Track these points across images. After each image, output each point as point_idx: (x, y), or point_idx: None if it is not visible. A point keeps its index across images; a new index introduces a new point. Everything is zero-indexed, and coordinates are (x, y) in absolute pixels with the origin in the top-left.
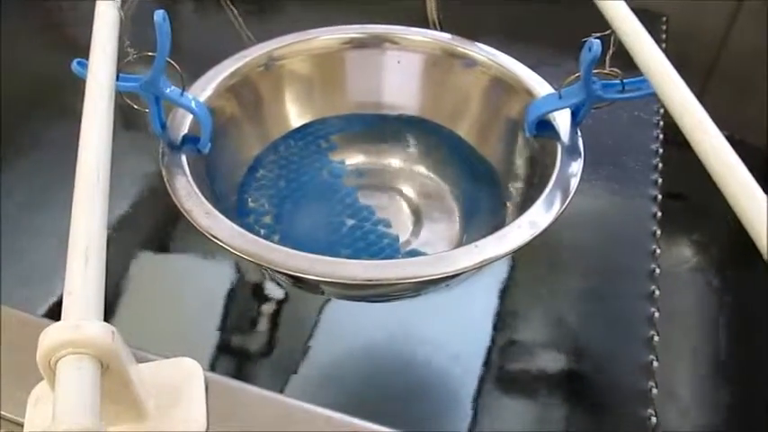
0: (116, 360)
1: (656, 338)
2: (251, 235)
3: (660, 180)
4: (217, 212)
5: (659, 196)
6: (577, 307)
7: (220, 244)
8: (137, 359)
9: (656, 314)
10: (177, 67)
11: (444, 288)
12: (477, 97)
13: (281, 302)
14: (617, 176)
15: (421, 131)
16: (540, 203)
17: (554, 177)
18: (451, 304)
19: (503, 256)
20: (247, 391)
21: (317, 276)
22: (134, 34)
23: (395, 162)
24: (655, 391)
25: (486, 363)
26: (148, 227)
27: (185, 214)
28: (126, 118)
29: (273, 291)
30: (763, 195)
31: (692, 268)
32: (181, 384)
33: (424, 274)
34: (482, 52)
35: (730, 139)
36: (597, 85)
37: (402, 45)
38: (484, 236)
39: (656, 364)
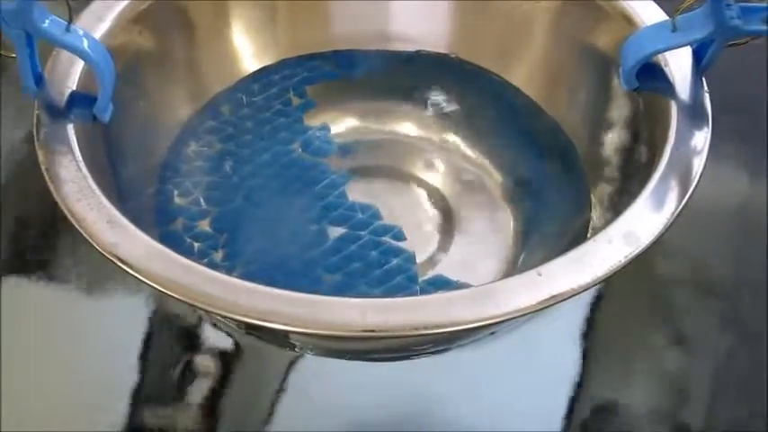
0: None
1: None
2: (177, 256)
3: None
4: (124, 219)
5: None
6: (697, 355)
7: (129, 271)
8: None
9: None
10: None
11: (489, 337)
12: (542, 26)
13: (228, 357)
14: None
15: (452, 80)
16: (641, 203)
17: (665, 159)
18: (500, 359)
19: (583, 291)
20: None
21: (283, 325)
22: None
23: (410, 131)
24: None
25: None
26: (18, 237)
27: (74, 223)
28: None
29: (217, 339)
30: None
31: None
32: None
33: (459, 320)
34: None
35: None
36: (733, 9)
37: None
38: (554, 255)
39: None
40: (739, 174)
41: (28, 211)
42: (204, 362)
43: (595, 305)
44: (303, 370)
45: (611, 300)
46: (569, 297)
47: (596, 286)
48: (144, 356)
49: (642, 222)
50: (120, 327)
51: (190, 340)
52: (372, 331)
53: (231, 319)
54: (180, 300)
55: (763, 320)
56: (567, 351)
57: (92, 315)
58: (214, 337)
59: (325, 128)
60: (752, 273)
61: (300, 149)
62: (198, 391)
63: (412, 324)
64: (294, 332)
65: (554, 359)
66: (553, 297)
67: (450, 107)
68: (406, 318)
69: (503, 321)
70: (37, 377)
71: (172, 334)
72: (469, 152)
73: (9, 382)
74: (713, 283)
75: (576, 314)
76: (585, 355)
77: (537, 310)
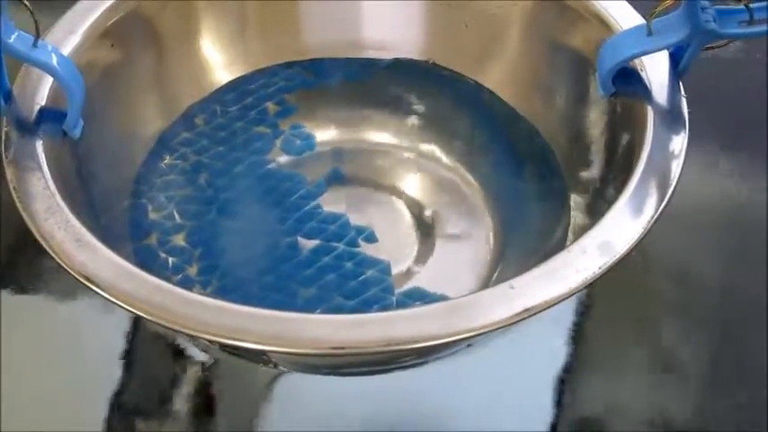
0: None
1: None
2: (147, 276)
3: None
4: (93, 238)
5: None
6: (685, 363)
7: (98, 291)
8: None
9: None
10: (26, 2)
11: (465, 350)
12: (517, 30)
13: (208, 370)
14: (750, 156)
15: (429, 87)
16: (617, 211)
17: (640, 166)
18: (483, 370)
19: (557, 303)
20: None
21: (253, 344)
22: None
23: (387, 139)
24: None
25: None
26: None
27: (42, 242)
28: None
29: (196, 353)
30: None
31: None
32: None
33: (429, 335)
34: None
35: None
36: (708, 13)
37: None
38: (532, 264)
39: None
40: (715, 177)
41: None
42: (186, 374)
43: (581, 313)
44: (285, 383)
45: (596, 307)
46: (542, 310)
47: (582, 293)
48: (127, 367)
49: (617, 231)
50: (104, 342)
51: (174, 354)
52: (342, 348)
53: (201, 338)
54: (149, 319)
55: (737, 328)
56: (550, 360)
57: (76, 330)
58: (196, 352)
59: (299, 125)
60: (731, 283)
61: (280, 155)
62: (180, 402)
63: (382, 340)
64: (264, 350)
65: (537, 369)
66: (527, 310)
67: (427, 114)
68: (377, 333)
69: (474, 336)
70: (20, 386)
71: (154, 346)
72: (447, 160)
73: None
74: (698, 288)
75: (559, 323)
76: (570, 364)
77: (510, 324)
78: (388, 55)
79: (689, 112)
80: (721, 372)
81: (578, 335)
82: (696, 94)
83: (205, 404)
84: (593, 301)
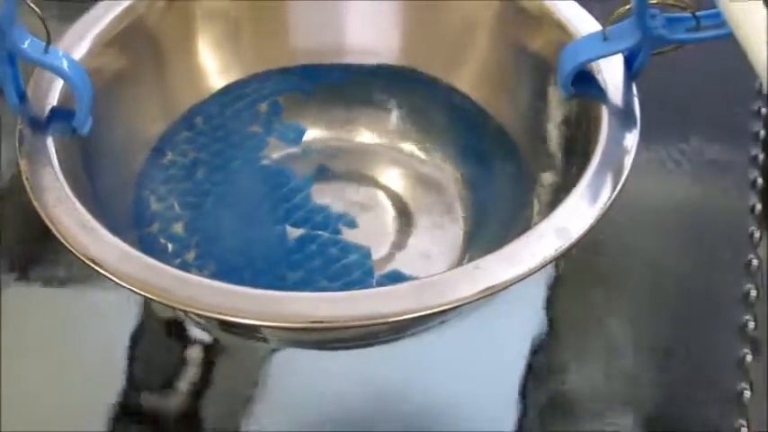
0: None
1: (747, 394)
2: (147, 258)
3: (762, 156)
4: (96, 224)
5: (759, 180)
6: (644, 344)
7: (102, 272)
8: None
9: (749, 357)
10: (38, 10)
11: (439, 326)
12: (484, 36)
13: (208, 348)
14: (697, 152)
15: (408, 90)
16: (571, 200)
17: (595, 159)
18: (458, 345)
19: (516, 282)
20: None
21: (242, 318)
22: None
23: (370, 138)
24: None
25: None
26: (19, 243)
27: (51, 227)
28: None
29: (199, 333)
30: None
31: None
32: None
33: (402, 310)
34: None
35: None
36: (658, 20)
37: None
38: (496, 248)
39: (745, 431)
40: (678, 173)
41: (29, 221)
42: (190, 355)
43: (552, 290)
44: (277, 360)
45: (568, 285)
46: (503, 288)
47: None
48: (135, 350)
49: (573, 218)
50: (114, 324)
51: (178, 335)
52: (321, 322)
53: (194, 313)
54: (146, 296)
55: (694, 313)
56: (523, 333)
57: (88, 314)
58: (198, 332)
59: (289, 123)
60: (690, 272)
61: (271, 152)
62: (183, 382)
63: (359, 315)
64: (253, 325)
65: (509, 344)
66: (489, 288)
67: (406, 115)
68: (353, 310)
69: (444, 311)
70: (39, 364)
71: (160, 330)
72: (423, 156)
73: (11, 371)
74: (660, 277)
75: (531, 299)
76: (542, 337)
77: (474, 301)
78: (370, 61)
79: (644, 110)
80: (679, 349)
81: (549, 312)
82: (650, 94)
83: (205, 380)
84: (562, 283)
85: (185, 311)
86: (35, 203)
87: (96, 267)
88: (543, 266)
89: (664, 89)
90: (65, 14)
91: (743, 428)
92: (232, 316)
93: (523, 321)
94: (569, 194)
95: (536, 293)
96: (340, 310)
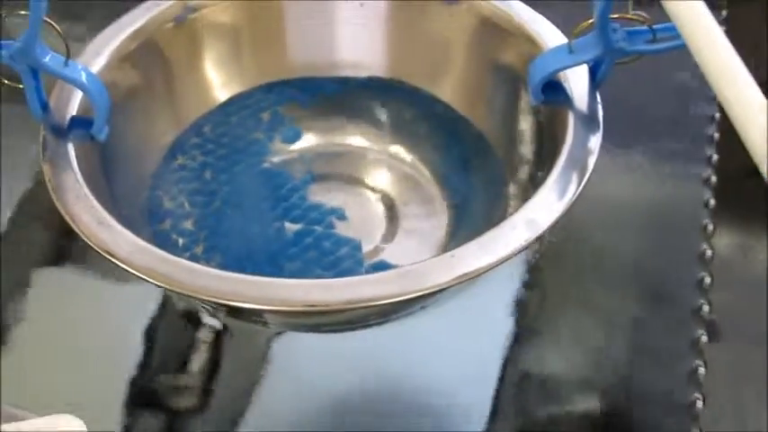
0: None
1: (701, 371)
2: (157, 250)
3: (716, 157)
4: (112, 220)
5: (713, 178)
6: (608, 327)
7: (117, 263)
8: (9, 418)
9: (704, 338)
10: (58, 28)
11: (422, 311)
12: (462, 50)
13: (218, 334)
14: (658, 151)
15: (395, 100)
16: (540, 196)
17: (562, 160)
18: (440, 328)
19: (488, 269)
20: None
21: (243, 303)
22: None
23: (361, 143)
24: None
25: (495, 407)
26: (45, 238)
27: (71, 223)
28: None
29: (208, 319)
30: None
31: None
32: None
33: (381, 295)
34: None
35: None
36: (618, 33)
37: None
38: (472, 239)
39: (700, 404)
40: (641, 171)
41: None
42: (200, 339)
43: (526, 278)
44: (280, 344)
45: (540, 273)
46: (477, 275)
47: (528, 262)
48: (151, 335)
49: (541, 211)
50: (131, 311)
51: (189, 321)
52: (313, 306)
53: (200, 299)
54: (156, 284)
55: (650, 299)
56: (499, 318)
57: (106, 302)
58: (207, 318)
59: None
60: (648, 262)
61: (272, 157)
62: (195, 364)
63: (347, 299)
64: (252, 309)
65: (489, 325)
66: (464, 275)
67: (394, 122)
68: (341, 295)
69: (424, 296)
70: (61, 349)
71: (174, 316)
72: (409, 159)
73: (38, 350)
74: (624, 261)
75: (507, 286)
76: (516, 322)
77: (451, 286)
78: (361, 74)
79: (610, 115)
80: (640, 330)
81: (523, 298)
82: (613, 100)
83: (215, 361)
84: (535, 271)
85: (193, 298)
86: (56, 202)
87: (110, 258)
88: (514, 255)
89: (625, 96)
90: (81, 33)
91: (698, 401)
92: (234, 301)
93: (500, 306)
94: (538, 190)
95: (511, 281)
96: (330, 295)
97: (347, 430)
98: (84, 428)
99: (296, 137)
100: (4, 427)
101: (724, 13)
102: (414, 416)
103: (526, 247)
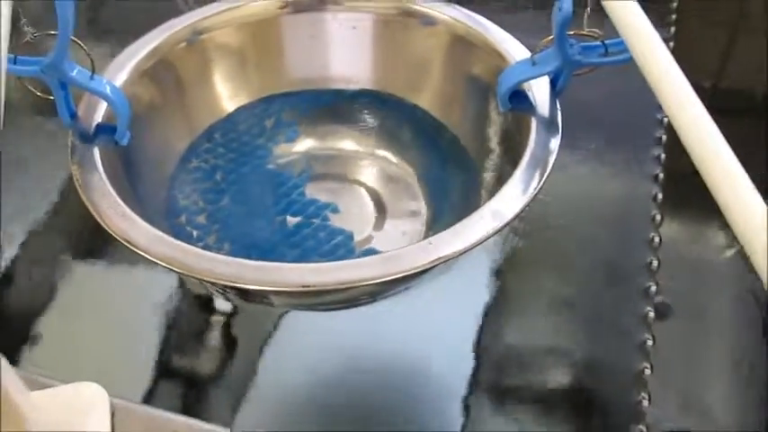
0: None
1: (649, 343)
2: (171, 239)
3: (664, 156)
4: (132, 213)
5: (661, 175)
6: (570, 304)
7: (136, 251)
8: (37, 386)
9: (652, 315)
10: (83, 45)
11: (406, 291)
12: (438, 63)
13: (230, 315)
14: (611, 152)
15: (381, 108)
16: (505, 190)
17: (525, 159)
18: (422, 307)
19: (460, 254)
20: (158, 418)
21: (244, 284)
22: (34, 11)
23: (352, 147)
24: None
25: (475, 374)
26: (73, 231)
27: (96, 217)
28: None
29: (221, 302)
30: (764, 208)
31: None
32: (79, 414)
33: (367, 277)
34: (442, 8)
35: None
36: (575, 48)
37: (348, 5)
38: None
39: (648, 372)
40: (597, 169)
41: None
42: (214, 319)
43: (499, 262)
44: (288, 323)
45: (510, 258)
46: (450, 259)
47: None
48: (169, 316)
49: (506, 204)
50: (152, 295)
51: (204, 304)
52: (308, 287)
53: (209, 282)
54: (172, 269)
55: (604, 281)
56: (476, 298)
57: (129, 288)
58: (220, 301)
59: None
60: (602, 250)
61: (275, 160)
62: (210, 342)
63: (338, 280)
64: (255, 290)
65: (467, 304)
66: (439, 258)
67: (381, 128)
68: (333, 276)
69: (404, 278)
70: (89, 330)
71: (190, 300)
72: (395, 160)
73: (67, 329)
74: (582, 248)
75: (482, 269)
76: (491, 301)
77: (428, 269)
78: (352, 86)
79: (569, 120)
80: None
81: (496, 280)
82: (572, 107)
83: (228, 338)
84: (506, 256)
85: (203, 281)
86: (84, 199)
87: (131, 247)
88: (483, 241)
89: (582, 103)
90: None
91: (646, 370)
92: (238, 283)
93: (476, 288)
94: (504, 185)
95: (486, 265)
96: (322, 277)
97: (341, 394)
98: (106, 396)
99: (295, 137)
100: (34, 393)
101: (672, 29)
102: (398, 382)
103: (493, 235)
